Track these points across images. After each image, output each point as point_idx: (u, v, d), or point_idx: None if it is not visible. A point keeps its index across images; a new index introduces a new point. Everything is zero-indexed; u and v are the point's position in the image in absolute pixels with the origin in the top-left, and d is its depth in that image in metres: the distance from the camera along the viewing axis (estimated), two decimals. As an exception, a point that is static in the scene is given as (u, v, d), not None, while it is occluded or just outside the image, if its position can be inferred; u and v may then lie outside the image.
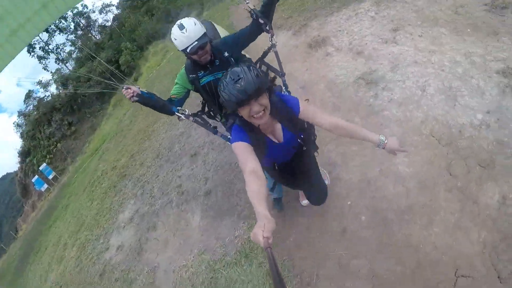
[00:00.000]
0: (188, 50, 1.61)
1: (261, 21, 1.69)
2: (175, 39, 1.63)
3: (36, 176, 20.95)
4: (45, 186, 20.61)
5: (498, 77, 2.09)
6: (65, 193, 12.71)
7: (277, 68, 2.03)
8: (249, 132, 1.25)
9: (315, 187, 1.75)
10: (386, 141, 1.25)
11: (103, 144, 12.36)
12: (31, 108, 27.18)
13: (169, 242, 3.14)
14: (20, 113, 27.68)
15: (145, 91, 1.76)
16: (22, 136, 26.29)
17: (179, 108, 1.82)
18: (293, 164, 1.60)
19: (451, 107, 2.08)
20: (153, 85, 10.21)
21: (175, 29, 1.62)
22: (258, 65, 2.05)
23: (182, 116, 1.80)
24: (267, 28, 1.72)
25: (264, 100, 1.14)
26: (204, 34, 1.62)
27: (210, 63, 1.76)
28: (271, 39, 1.83)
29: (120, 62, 19.81)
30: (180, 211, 3.28)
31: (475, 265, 1.45)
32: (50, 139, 23.36)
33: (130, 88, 1.68)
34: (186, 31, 1.57)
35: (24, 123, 26.89)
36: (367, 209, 1.84)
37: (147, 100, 1.76)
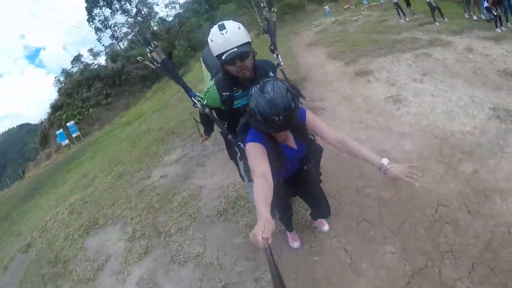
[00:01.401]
0: (223, 57, 1.36)
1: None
2: (211, 40, 1.41)
3: (61, 130, 22.27)
4: (66, 141, 21.80)
5: (489, 111, 3.07)
6: (90, 150, 13.25)
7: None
8: (264, 135, 1.26)
9: (320, 199, 1.86)
10: (388, 167, 1.15)
11: (139, 118, 13.16)
12: (75, 70, 29.26)
13: (216, 174, 3.64)
14: (64, 71, 30.01)
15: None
16: (59, 91, 28.01)
17: (197, 94, 1.62)
18: (296, 177, 1.65)
19: (449, 121, 3.05)
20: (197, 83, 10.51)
21: (214, 29, 1.41)
22: None
23: (198, 104, 1.59)
24: (271, 48, 1.81)
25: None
26: (248, 43, 1.40)
27: (252, 81, 1.45)
28: (276, 59, 1.82)
29: (173, 55, 21.78)
30: (232, 156, 4.14)
31: (451, 201, 2.25)
32: (84, 102, 25.04)
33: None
34: (227, 32, 1.36)
35: (65, 81, 28.55)
36: (379, 164, 2.78)
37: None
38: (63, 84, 28.78)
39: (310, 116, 1.36)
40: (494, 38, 5.35)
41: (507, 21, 6.26)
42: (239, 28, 1.39)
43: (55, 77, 30.71)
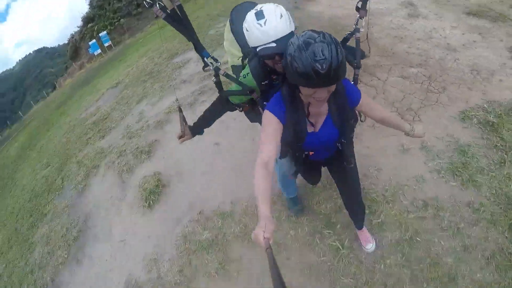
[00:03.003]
0: (258, 50, 1.16)
1: None
2: (247, 30, 1.18)
3: (94, 40, 23.61)
4: (99, 51, 23.34)
5: (401, 2, 5.57)
6: (132, 48, 15.09)
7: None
8: (290, 106, 1.13)
9: (353, 188, 1.63)
10: (413, 132, 1.40)
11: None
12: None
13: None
14: (94, -17, 29.44)
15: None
16: (90, 4, 28.67)
17: (211, 55, 1.38)
18: (327, 164, 1.56)
19: (375, 4, 5.65)
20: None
21: (250, 16, 1.16)
22: None
23: (211, 66, 1.38)
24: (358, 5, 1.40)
25: (334, 87, 1.00)
26: (291, 33, 1.15)
27: None
28: (358, 22, 1.43)
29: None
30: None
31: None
32: (115, 13, 25.81)
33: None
34: (265, 23, 1.12)
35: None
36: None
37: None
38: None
39: (365, 99, 1.24)
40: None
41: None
42: (281, 17, 1.13)
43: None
